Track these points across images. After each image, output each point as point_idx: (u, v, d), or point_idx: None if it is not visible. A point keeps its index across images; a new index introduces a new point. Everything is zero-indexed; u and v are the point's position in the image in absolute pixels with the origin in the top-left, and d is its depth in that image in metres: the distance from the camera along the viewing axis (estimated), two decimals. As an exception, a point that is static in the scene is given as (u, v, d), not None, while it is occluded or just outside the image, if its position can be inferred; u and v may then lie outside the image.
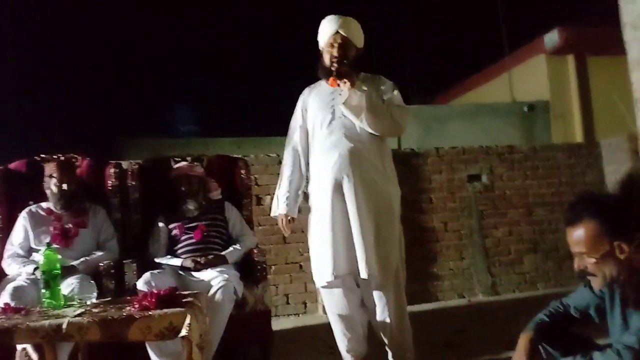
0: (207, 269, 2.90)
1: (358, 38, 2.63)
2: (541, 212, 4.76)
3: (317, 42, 2.67)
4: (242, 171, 3.48)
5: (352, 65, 2.54)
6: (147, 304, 2.02)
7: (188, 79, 15.00)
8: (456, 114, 8.53)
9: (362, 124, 2.50)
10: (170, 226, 3.11)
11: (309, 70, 2.73)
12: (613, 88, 6.25)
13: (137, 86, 13.58)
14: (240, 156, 3.77)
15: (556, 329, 1.79)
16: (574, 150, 5.01)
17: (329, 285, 2.53)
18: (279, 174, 4.25)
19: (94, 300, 2.30)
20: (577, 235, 1.55)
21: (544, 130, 8.32)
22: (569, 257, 1.63)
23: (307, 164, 2.71)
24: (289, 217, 2.69)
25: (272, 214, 2.77)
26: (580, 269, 1.59)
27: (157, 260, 3.00)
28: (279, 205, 2.70)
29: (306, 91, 2.76)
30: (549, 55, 8.57)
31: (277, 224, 4.16)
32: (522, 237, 4.72)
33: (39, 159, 3.22)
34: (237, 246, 3.10)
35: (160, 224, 3.12)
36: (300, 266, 4.24)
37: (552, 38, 8.45)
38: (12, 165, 3.23)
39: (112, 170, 3.31)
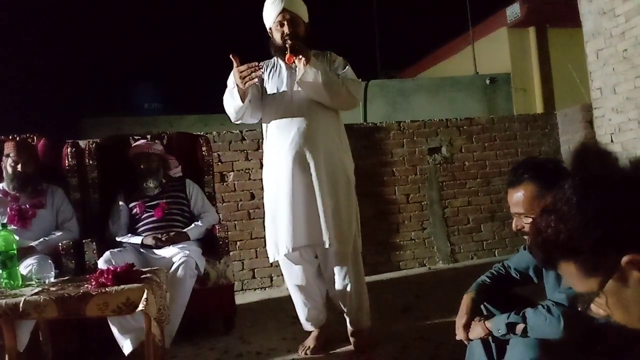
0: (168, 245, 2.93)
1: (304, 13, 2.65)
2: (498, 182, 4.89)
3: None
4: (204, 148, 3.49)
5: (303, 41, 2.56)
6: (104, 280, 2.05)
7: (153, 56, 14.66)
8: (421, 88, 8.60)
9: (319, 99, 2.54)
10: (131, 205, 3.12)
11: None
12: (572, 59, 6.39)
13: (99, 64, 13.22)
14: (201, 133, 3.77)
15: (498, 289, 1.90)
16: (530, 121, 5.14)
17: (287, 257, 2.60)
18: (242, 150, 4.34)
19: (52, 280, 2.30)
20: (517, 196, 1.62)
21: (505, 102, 8.48)
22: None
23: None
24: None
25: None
26: (518, 229, 1.68)
27: (118, 239, 3.01)
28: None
29: (262, 64, 2.74)
30: (510, 28, 8.70)
31: (241, 200, 4.27)
32: (480, 207, 4.87)
33: (-6, 139, 3.17)
34: (199, 223, 3.13)
35: (121, 203, 3.13)
36: (266, 241, 4.28)
37: (513, 10, 8.57)
38: (-34, 147, 3.17)
39: (68, 149, 3.28)
